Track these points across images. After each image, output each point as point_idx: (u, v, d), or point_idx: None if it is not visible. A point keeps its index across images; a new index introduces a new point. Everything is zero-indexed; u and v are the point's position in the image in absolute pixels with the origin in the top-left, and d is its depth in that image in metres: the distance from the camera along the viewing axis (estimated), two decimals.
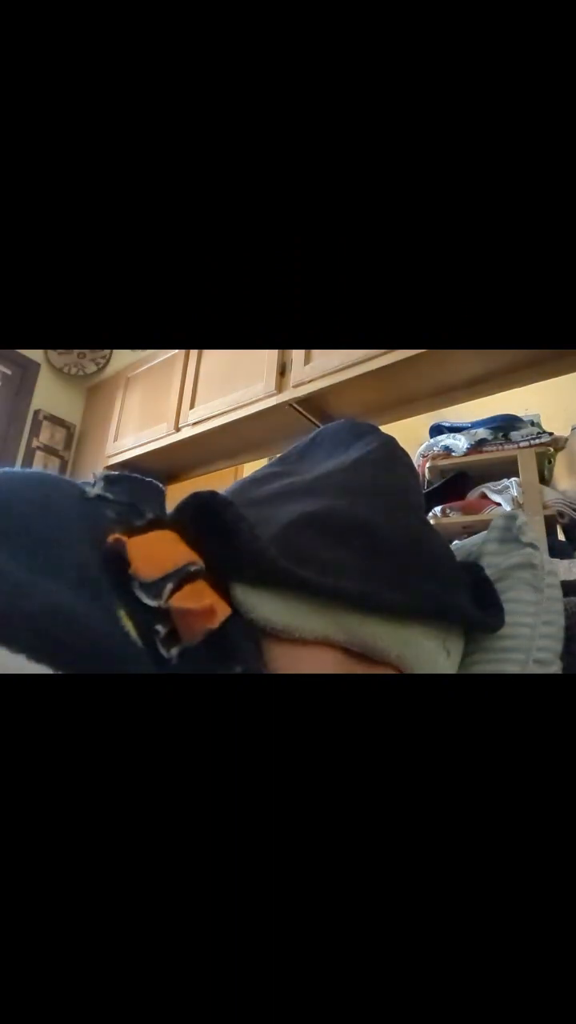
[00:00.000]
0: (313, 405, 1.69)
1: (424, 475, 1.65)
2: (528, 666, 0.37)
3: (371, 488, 0.36)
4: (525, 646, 0.37)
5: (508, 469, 1.50)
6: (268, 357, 1.71)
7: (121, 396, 2.32)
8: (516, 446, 1.51)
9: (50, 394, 2.50)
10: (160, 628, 0.24)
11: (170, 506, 0.32)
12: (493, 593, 0.39)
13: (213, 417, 1.86)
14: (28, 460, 2.35)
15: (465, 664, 0.38)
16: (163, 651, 0.24)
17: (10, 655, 0.16)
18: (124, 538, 0.25)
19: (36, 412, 2.42)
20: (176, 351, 2.10)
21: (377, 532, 0.33)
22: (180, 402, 2.00)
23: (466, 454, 1.56)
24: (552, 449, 1.49)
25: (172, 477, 2.29)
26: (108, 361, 2.57)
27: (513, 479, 1.47)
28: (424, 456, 1.65)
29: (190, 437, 1.95)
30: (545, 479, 1.48)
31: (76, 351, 2.53)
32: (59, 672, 0.17)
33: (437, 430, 1.68)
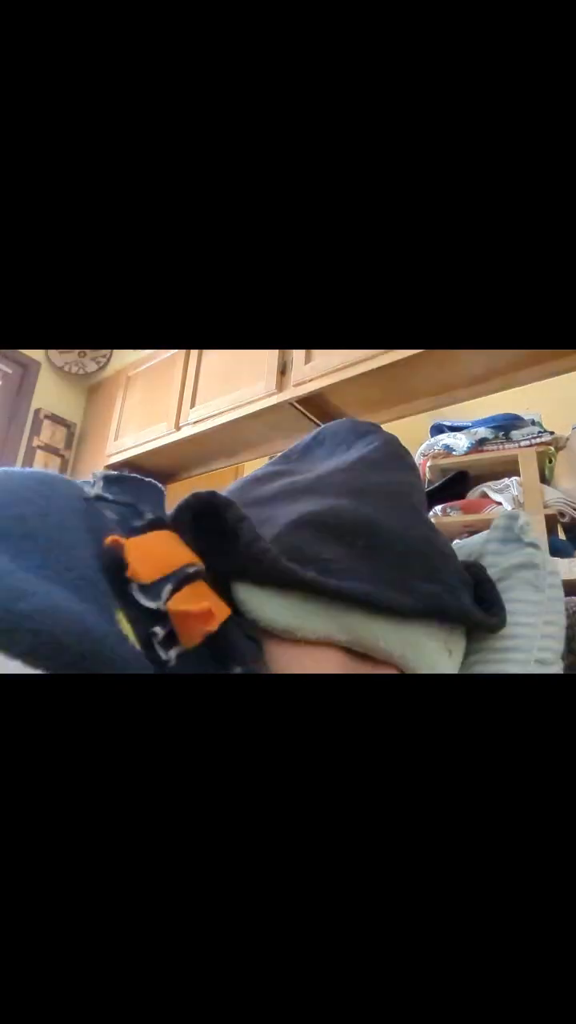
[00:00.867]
0: (314, 404, 1.69)
1: (425, 474, 1.65)
2: (530, 666, 0.37)
3: (373, 487, 0.36)
4: (527, 646, 0.37)
5: (509, 468, 1.50)
6: (268, 356, 1.71)
7: (122, 395, 2.32)
8: (517, 445, 1.51)
9: (51, 393, 2.50)
10: (158, 630, 0.24)
11: (170, 506, 0.32)
12: (495, 593, 0.39)
13: (214, 416, 1.86)
14: (29, 459, 2.35)
15: (467, 664, 0.38)
16: (161, 653, 0.24)
17: (7, 657, 0.16)
18: (122, 540, 0.25)
19: (37, 411, 2.42)
20: (177, 350, 2.10)
21: (380, 532, 0.33)
22: (181, 401, 2.00)
23: (467, 453, 1.56)
24: (553, 448, 1.48)
25: (172, 476, 2.29)
26: (109, 360, 2.57)
27: (514, 478, 1.47)
28: (425, 455, 1.65)
29: (191, 436, 1.95)
30: (546, 478, 1.48)
31: (77, 350, 2.53)
32: (55, 673, 0.17)
33: (438, 429, 1.68)
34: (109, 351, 2.57)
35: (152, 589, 0.24)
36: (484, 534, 0.45)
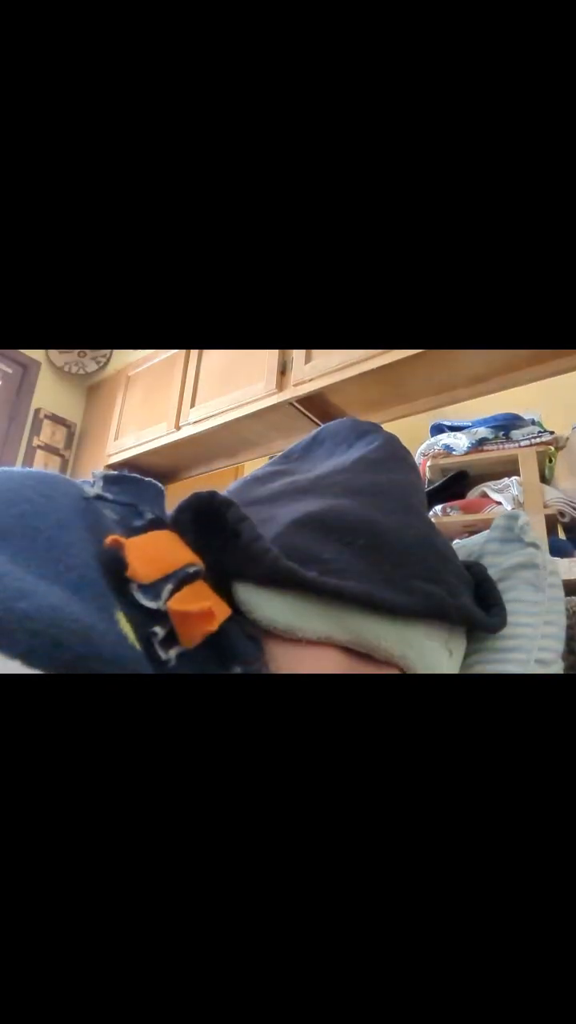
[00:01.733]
0: (314, 404, 1.69)
1: (425, 474, 1.65)
2: (530, 666, 0.37)
3: (374, 487, 0.36)
4: (527, 646, 0.37)
5: (509, 468, 1.50)
6: (268, 356, 1.71)
7: (122, 395, 2.32)
8: (517, 445, 1.51)
9: (51, 393, 2.50)
10: (158, 630, 0.24)
11: (170, 506, 0.32)
12: (495, 593, 0.39)
13: (214, 416, 1.86)
14: (29, 459, 2.36)
15: (467, 664, 0.38)
16: (161, 653, 0.24)
17: (6, 657, 0.16)
18: (122, 540, 0.25)
19: (37, 411, 2.42)
20: (177, 350, 2.10)
21: (380, 532, 0.33)
22: (181, 401, 2.00)
23: (467, 453, 1.56)
24: (553, 448, 1.49)
25: (172, 476, 2.29)
26: (109, 360, 2.57)
27: (514, 478, 1.47)
28: (425, 455, 1.65)
29: (191, 436, 1.95)
30: (546, 478, 1.48)
31: (76, 350, 2.53)
32: (54, 673, 0.17)
33: (438, 429, 1.68)
34: (109, 351, 2.57)
35: (152, 589, 0.24)
36: (484, 534, 0.45)
